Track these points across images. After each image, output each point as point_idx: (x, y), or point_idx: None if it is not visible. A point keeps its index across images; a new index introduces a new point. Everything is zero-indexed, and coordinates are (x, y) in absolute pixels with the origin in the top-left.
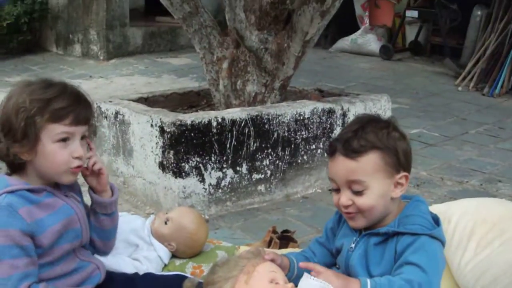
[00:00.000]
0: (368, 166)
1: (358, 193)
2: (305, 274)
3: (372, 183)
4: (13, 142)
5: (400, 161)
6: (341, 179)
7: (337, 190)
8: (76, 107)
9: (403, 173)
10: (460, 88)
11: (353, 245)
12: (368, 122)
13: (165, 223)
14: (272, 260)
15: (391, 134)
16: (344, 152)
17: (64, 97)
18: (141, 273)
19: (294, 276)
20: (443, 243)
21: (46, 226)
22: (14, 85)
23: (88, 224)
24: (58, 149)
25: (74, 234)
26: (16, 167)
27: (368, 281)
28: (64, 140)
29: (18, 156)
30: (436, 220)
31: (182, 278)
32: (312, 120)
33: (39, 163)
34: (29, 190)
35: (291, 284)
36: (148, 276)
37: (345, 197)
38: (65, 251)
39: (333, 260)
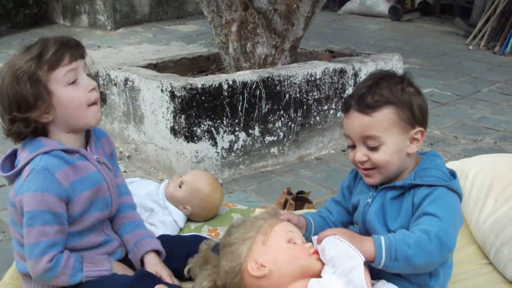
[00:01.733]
0: (383, 121)
1: (374, 149)
2: (326, 238)
3: (387, 139)
4: (29, 110)
5: (415, 116)
6: (356, 135)
7: (353, 147)
8: (67, 47)
9: (418, 128)
10: (471, 47)
11: (369, 200)
12: (382, 78)
13: (180, 186)
14: (289, 220)
15: (406, 89)
16: (358, 107)
17: (52, 44)
18: (155, 236)
19: (311, 236)
20: (460, 196)
21: (79, 190)
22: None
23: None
24: (72, 91)
25: (104, 203)
26: (40, 134)
27: (382, 238)
28: (73, 82)
29: (39, 121)
30: (452, 174)
31: (199, 238)
32: (323, 81)
33: (61, 116)
34: (63, 151)
35: (309, 244)
36: (165, 237)
37: (361, 153)
38: (95, 220)
39: (349, 218)
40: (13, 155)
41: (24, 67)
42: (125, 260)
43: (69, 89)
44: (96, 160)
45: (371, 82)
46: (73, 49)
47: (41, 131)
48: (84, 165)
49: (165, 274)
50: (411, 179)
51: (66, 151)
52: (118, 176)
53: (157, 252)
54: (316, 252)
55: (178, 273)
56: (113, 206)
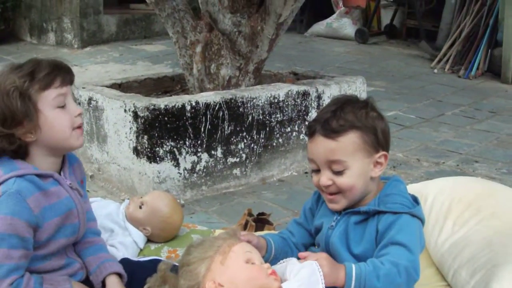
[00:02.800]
0: (348, 145)
1: (339, 173)
2: (294, 260)
3: (352, 163)
4: (15, 126)
5: (379, 140)
6: (321, 159)
7: (317, 171)
8: (59, 70)
9: (382, 152)
10: (436, 71)
11: (333, 223)
12: (346, 102)
13: (140, 207)
14: (248, 241)
15: (370, 114)
16: (323, 132)
17: (45, 65)
18: (117, 259)
19: (271, 257)
20: (422, 221)
21: (48, 217)
22: None
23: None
24: (59, 114)
25: (72, 229)
26: (20, 154)
27: (353, 266)
28: (62, 106)
29: (23, 140)
30: (415, 199)
31: (158, 262)
32: (287, 103)
33: (46, 136)
34: (37, 175)
35: (267, 265)
36: (124, 262)
37: (325, 177)
38: (60, 246)
39: (311, 240)
40: None
41: (17, 83)
42: (86, 283)
43: (56, 112)
44: (69, 185)
45: (336, 107)
46: (64, 74)
47: (23, 150)
48: (56, 191)
49: None
50: (375, 204)
51: (40, 175)
52: (86, 202)
53: (119, 275)
54: (274, 273)
55: None
56: (79, 233)
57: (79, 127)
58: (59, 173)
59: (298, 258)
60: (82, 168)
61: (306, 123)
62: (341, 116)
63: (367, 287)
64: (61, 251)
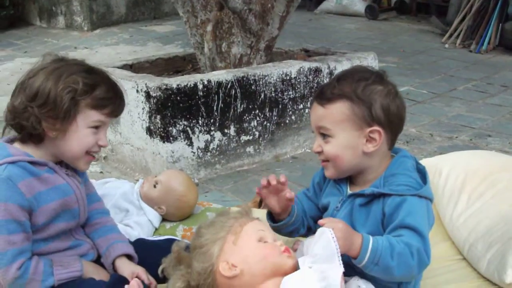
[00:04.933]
0: (334, 114)
1: (325, 141)
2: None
3: (338, 132)
4: (48, 117)
5: (373, 115)
6: (313, 124)
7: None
8: (116, 100)
9: (375, 128)
10: (447, 46)
11: (339, 205)
12: (350, 73)
13: (154, 186)
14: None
15: (370, 87)
16: (316, 98)
17: (109, 87)
18: (132, 239)
19: (292, 221)
20: (431, 200)
21: (43, 202)
22: (45, 56)
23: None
24: (89, 134)
25: (71, 214)
26: (30, 138)
27: (371, 238)
28: (96, 127)
29: (44, 130)
30: (423, 175)
31: (173, 241)
32: (298, 80)
33: (64, 142)
34: (30, 162)
35: (280, 242)
36: (140, 242)
37: (316, 143)
38: (61, 230)
39: (319, 214)
40: None
41: (78, 87)
42: (98, 262)
43: (87, 131)
44: (65, 173)
45: (338, 77)
46: (117, 107)
47: (38, 139)
48: (52, 178)
49: (141, 271)
50: (380, 185)
51: (33, 162)
52: (87, 185)
53: (129, 256)
54: (287, 250)
55: (154, 278)
56: (80, 218)
57: (93, 156)
58: (56, 163)
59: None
60: None
61: None
62: (336, 85)
63: (380, 262)
64: (65, 233)
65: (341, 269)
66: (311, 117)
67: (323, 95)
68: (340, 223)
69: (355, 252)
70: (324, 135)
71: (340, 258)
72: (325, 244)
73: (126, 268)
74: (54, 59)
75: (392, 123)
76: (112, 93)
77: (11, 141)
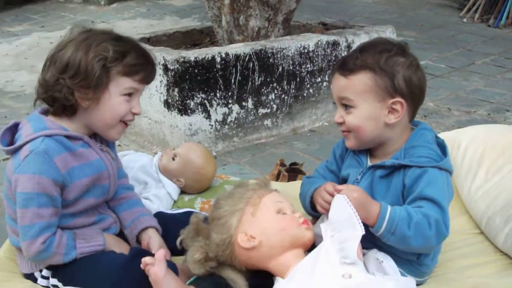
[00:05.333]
0: (357, 85)
1: (347, 112)
2: (337, 197)
3: (360, 103)
4: (81, 87)
5: (396, 87)
6: (335, 95)
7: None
8: (147, 66)
9: (397, 99)
10: (465, 20)
11: (359, 177)
12: (372, 44)
13: (173, 159)
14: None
15: (393, 58)
16: (339, 69)
17: (139, 54)
18: (152, 212)
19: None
20: (450, 172)
21: (76, 177)
22: (73, 29)
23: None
24: (122, 101)
25: (101, 190)
26: (63, 110)
27: (389, 208)
28: (128, 95)
29: (78, 102)
30: (443, 148)
31: (191, 214)
32: (316, 53)
33: (97, 112)
34: (66, 137)
35: (298, 214)
36: (158, 215)
37: (338, 114)
38: (89, 205)
39: None
40: (14, 128)
41: (108, 54)
42: (120, 236)
43: (120, 99)
44: (99, 148)
45: (360, 48)
46: (149, 73)
47: (72, 110)
48: (86, 152)
49: (159, 250)
50: (400, 157)
51: (69, 137)
52: (116, 161)
53: (154, 229)
54: (306, 222)
55: (173, 251)
56: (109, 193)
57: (126, 124)
58: (90, 136)
59: None
60: None
61: None
62: (358, 56)
63: (397, 232)
64: (91, 209)
65: (360, 231)
66: (332, 88)
67: (346, 66)
68: (355, 192)
69: (372, 220)
70: (346, 106)
71: (359, 219)
72: (340, 209)
73: (153, 240)
74: (82, 31)
75: (414, 95)
76: (142, 59)
77: (45, 112)
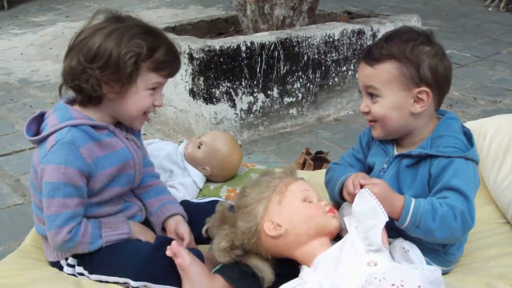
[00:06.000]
0: (383, 74)
1: (373, 101)
2: (362, 190)
3: (386, 92)
4: (109, 79)
5: (421, 75)
6: (361, 84)
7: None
8: (174, 62)
9: (423, 88)
10: (490, 9)
11: (385, 166)
12: (398, 33)
13: (199, 147)
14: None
15: (418, 47)
16: (365, 58)
17: (168, 49)
18: (178, 200)
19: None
20: (477, 162)
21: (102, 167)
22: (99, 13)
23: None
24: (147, 95)
25: (127, 179)
26: (91, 101)
27: (413, 201)
28: (153, 89)
29: (104, 92)
30: (469, 138)
31: (217, 202)
32: (342, 42)
33: (122, 104)
34: (91, 126)
35: (324, 202)
36: (184, 204)
37: (364, 104)
38: (114, 194)
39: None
40: (40, 117)
41: (142, 51)
42: (145, 224)
43: (145, 93)
44: (125, 136)
45: (386, 36)
46: (174, 68)
47: (97, 101)
48: (111, 142)
49: (186, 237)
50: (427, 146)
51: (95, 126)
52: (142, 149)
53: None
54: (332, 210)
55: (198, 240)
56: (135, 182)
57: (148, 115)
58: (115, 125)
59: None
60: None
61: None
62: (384, 45)
63: (421, 225)
64: (117, 197)
65: (383, 218)
66: (358, 77)
67: (371, 55)
68: (376, 187)
69: (396, 214)
70: (372, 95)
71: (383, 209)
72: (363, 201)
73: (179, 226)
74: (110, 18)
75: (440, 84)
76: (171, 55)
77: (71, 102)
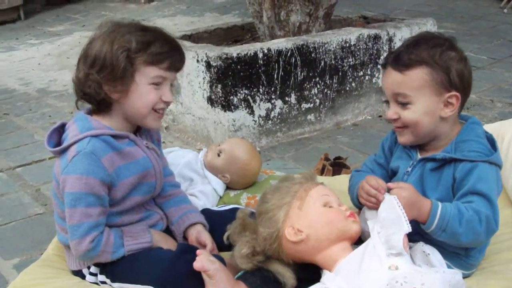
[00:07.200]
0: (414, 80)
1: (404, 107)
2: (388, 196)
3: (417, 98)
4: (108, 79)
5: (451, 81)
6: (389, 91)
7: (388, 103)
8: (173, 54)
9: (453, 93)
10: (505, 11)
11: (409, 169)
12: (423, 39)
13: (218, 155)
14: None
15: (446, 53)
16: (393, 65)
17: (164, 42)
18: (198, 209)
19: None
20: (500, 167)
21: (123, 176)
22: (101, 25)
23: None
24: (150, 90)
25: (148, 188)
26: (101, 107)
27: (440, 205)
28: (157, 84)
29: (108, 95)
30: (492, 142)
31: (237, 210)
32: (358, 47)
33: (128, 103)
34: (112, 136)
35: (345, 207)
36: (204, 212)
37: (392, 111)
38: (136, 203)
39: (388, 181)
40: (61, 128)
41: (132, 45)
42: (166, 232)
43: (148, 88)
44: (145, 145)
45: (411, 42)
46: (175, 60)
47: (106, 105)
48: (132, 151)
49: (208, 245)
50: (451, 150)
51: (115, 136)
52: (162, 159)
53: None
54: (352, 214)
55: (220, 248)
56: (156, 191)
57: (160, 112)
58: (135, 134)
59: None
60: (158, 132)
61: (378, 66)
62: (413, 51)
63: (448, 229)
64: (138, 206)
65: (406, 229)
66: (385, 84)
67: (400, 61)
68: (404, 192)
69: (424, 218)
70: (402, 102)
71: (407, 219)
72: (389, 208)
73: (201, 234)
74: (110, 25)
75: (465, 88)
76: (167, 47)
77: (91, 112)
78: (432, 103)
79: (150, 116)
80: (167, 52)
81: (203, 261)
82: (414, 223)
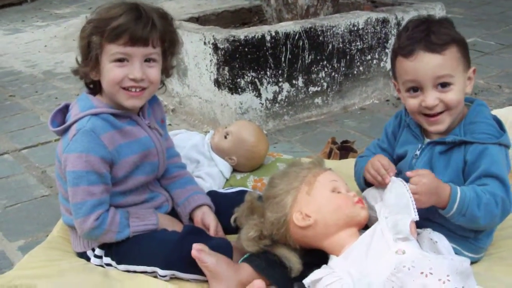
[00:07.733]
0: (453, 59)
1: (444, 90)
2: (398, 182)
3: (458, 77)
4: (82, 62)
5: (468, 55)
6: (427, 76)
7: (415, 93)
8: (132, 26)
9: (473, 67)
10: None
11: (418, 152)
12: (438, 21)
13: (225, 137)
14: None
15: (456, 30)
16: (427, 48)
17: (124, 17)
18: (204, 190)
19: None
20: (509, 147)
21: (124, 154)
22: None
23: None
24: (112, 68)
25: (151, 167)
26: (95, 88)
27: (459, 189)
28: (120, 60)
29: (88, 76)
30: (500, 124)
31: (244, 193)
32: (366, 31)
33: (103, 83)
34: (113, 115)
35: (353, 192)
36: (211, 194)
37: (432, 97)
38: (139, 183)
39: (395, 164)
40: (65, 109)
41: (87, 25)
42: (172, 214)
43: (111, 65)
44: (147, 125)
45: (426, 26)
46: (137, 31)
47: (96, 86)
48: (133, 130)
49: (213, 226)
50: (460, 133)
51: (117, 115)
52: (167, 139)
53: (208, 207)
54: (360, 201)
55: (226, 230)
56: (159, 171)
57: (128, 89)
58: (138, 114)
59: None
60: (162, 107)
61: (386, 50)
62: (439, 31)
63: (467, 213)
64: (142, 186)
65: (414, 217)
66: (418, 70)
67: (435, 43)
68: (425, 178)
69: (443, 203)
70: (443, 84)
71: (415, 207)
72: (399, 195)
73: (207, 216)
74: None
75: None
76: (126, 21)
77: (93, 93)
78: (464, 80)
79: (120, 94)
80: (123, 25)
81: (196, 254)
82: (424, 210)
